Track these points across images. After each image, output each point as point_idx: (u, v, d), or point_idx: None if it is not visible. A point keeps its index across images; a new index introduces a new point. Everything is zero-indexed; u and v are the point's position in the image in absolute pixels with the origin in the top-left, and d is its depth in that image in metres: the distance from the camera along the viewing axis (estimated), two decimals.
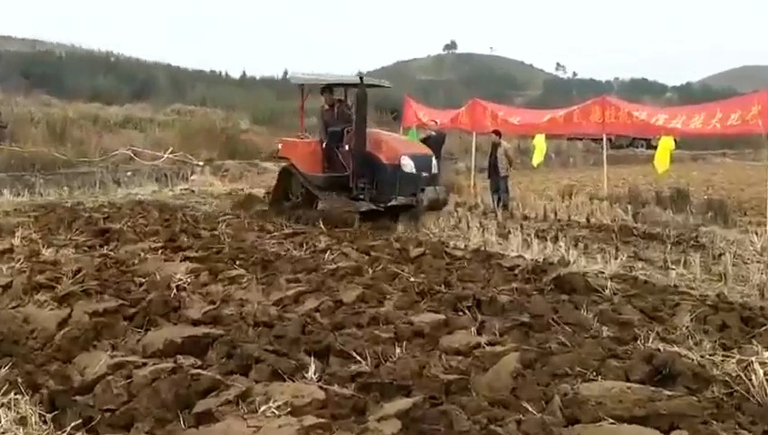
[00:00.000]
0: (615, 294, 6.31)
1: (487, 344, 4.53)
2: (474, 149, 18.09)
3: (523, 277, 6.96)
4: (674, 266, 7.88)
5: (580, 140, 34.40)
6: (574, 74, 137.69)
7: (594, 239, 10.02)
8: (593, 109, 15.03)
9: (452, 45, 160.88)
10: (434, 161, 11.23)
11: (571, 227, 11.31)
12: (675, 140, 14.63)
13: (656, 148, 15.35)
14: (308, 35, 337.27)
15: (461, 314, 5.39)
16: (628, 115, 14.25)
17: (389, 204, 10.86)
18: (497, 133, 14.56)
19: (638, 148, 36.51)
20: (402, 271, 6.96)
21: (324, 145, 11.56)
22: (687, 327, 5.17)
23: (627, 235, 10.42)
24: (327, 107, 11.86)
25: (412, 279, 6.59)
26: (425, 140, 17.58)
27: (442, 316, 5.14)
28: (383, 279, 6.66)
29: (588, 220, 11.93)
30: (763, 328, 5.18)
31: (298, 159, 11.82)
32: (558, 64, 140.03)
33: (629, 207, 12.63)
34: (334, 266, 7.12)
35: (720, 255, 8.59)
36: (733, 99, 12.80)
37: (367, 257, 7.87)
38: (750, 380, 3.87)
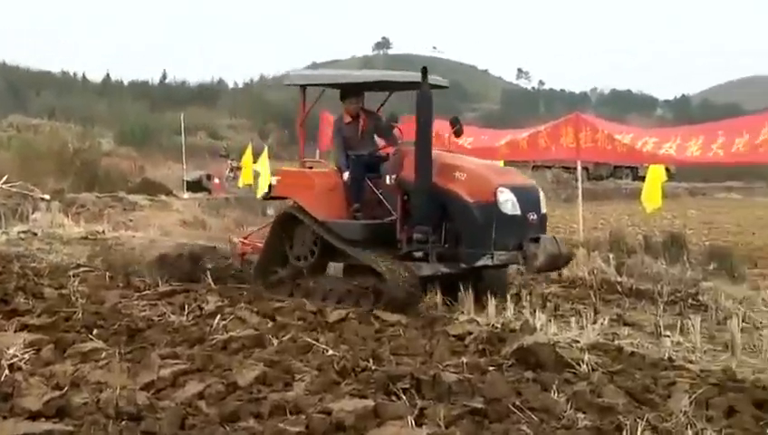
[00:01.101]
0: (594, 370, 6.38)
1: None
2: None
3: (476, 349, 7.00)
4: (668, 333, 8.04)
5: (549, 168, 35.14)
6: (541, 84, 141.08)
7: (567, 298, 10.19)
8: (564, 129, 15.26)
9: (384, 44, 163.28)
10: (542, 196, 9.47)
11: (538, 283, 11.46)
12: (668, 170, 15.07)
13: (644, 179, 15.74)
14: (187, 31, 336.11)
15: (395, 398, 5.36)
16: (609, 138, 14.48)
17: (478, 264, 8.96)
18: None
19: (621, 179, 37.52)
20: (317, 341, 6.92)
21: (349, 177, 9.87)
22: (686, 413, 5.25)
23: (609, 292, 10.64)
24: (349, 120, 10.38)
25: (330, 352, 6.54)
26: None
27: (370, 402, 5.10)
28: (292, 353, 6.61)
29: (559, 274, 12.08)
30: None
31: (309, 199, 9.98)
32: (520, 71, 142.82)
33: (611, 256, 12.85)
34: (226, 336, 7.04)
35: (726, 318, 8.76)
36: (739, 119, 13.31)
37: (270, 324, 7.82)
38: None
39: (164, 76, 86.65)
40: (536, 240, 8.80)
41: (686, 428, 5.03)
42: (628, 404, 5.49)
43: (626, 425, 4.91)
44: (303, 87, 10.59)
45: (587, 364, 6.45)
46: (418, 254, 9.16)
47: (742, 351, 7.52)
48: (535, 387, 5.75)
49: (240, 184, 26.60)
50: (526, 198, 9.05)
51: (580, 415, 5.17)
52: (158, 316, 8.10)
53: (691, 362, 7.10)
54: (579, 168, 16.83)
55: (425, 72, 8.96)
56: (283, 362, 6.20)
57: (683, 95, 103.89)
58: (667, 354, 7.27)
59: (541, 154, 17.17)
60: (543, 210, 9.29)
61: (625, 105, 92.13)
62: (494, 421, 4.98)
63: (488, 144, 17.12)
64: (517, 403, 5.26)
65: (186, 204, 23.20)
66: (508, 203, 8.84)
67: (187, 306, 8.47)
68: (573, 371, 6.35)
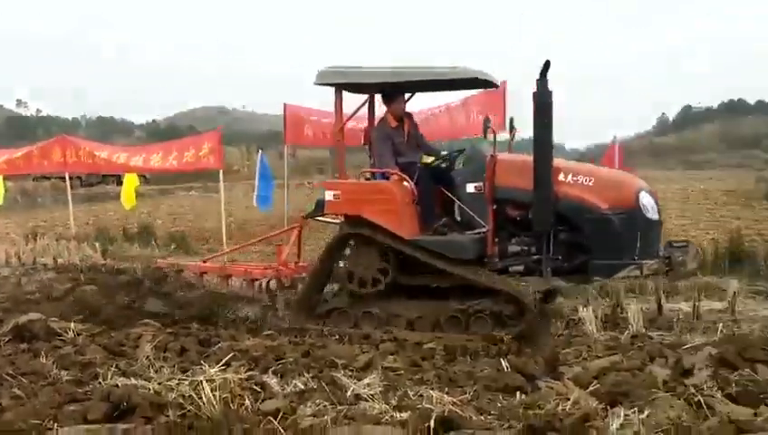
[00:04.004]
0: (79, 334, 6.10)
1: None
2: None
3: None
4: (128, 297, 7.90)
5: (48, 179, 32.92)
6: (38, 111, 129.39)
7: (63, 280, 9.59)
8: (54, 148, 14.76)
9: None
10: None
11: (38, 271, 10.67)
12: (145, 177, 14.97)
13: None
14: None
15: None
16: (90, 154, 14.38)
17: (621, 275, 6.58)
18: None
19: (108, 184, 36.24)
20: None
21: (419, 188, 6.86)
22: (148, 357, 5.24)
23: (95, 272, 10.23)
24: (395, 124, 7.26)
25: None
26: None
27: None
28: None
29: (55, 261, 11.37)
30: (216, 346, 5.57)
31: (389, 215, 6.69)
32: (19, 101, 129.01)
33: (98, 244, 12.44)
34: None
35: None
36: (188, 138, 13.72)
37: None
38: (200, 398, 4.11)
39: None
40: (677, 246, 6.74)
41: (148, 368, 5.00)
42: (104, 358, 5.31)
43: (101, 373, 4.74)
44: (339, 88, 7.04)
45: (73, 331, 6.15)
46: (517, 268, 6.62)
47: None
48: (27, 356, 5.30)
49: None
50: (656, 200, 6.72)
51: (64, 372, 4.88)
52: None
53: None
54: (67, 178, 16.22)
55: (546, 67, 6.26)
56: None
57: (153, 120, 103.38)
58: None
59: (35, 168, 16.24)
60: None
61: (110, 128, 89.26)
62: None
63: None
64: (10, 372, 4.79)
65: None
66: (649, 208, 6.50)
67: None
68: (62, 338, 5.99)
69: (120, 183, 34.02)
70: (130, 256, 11.55)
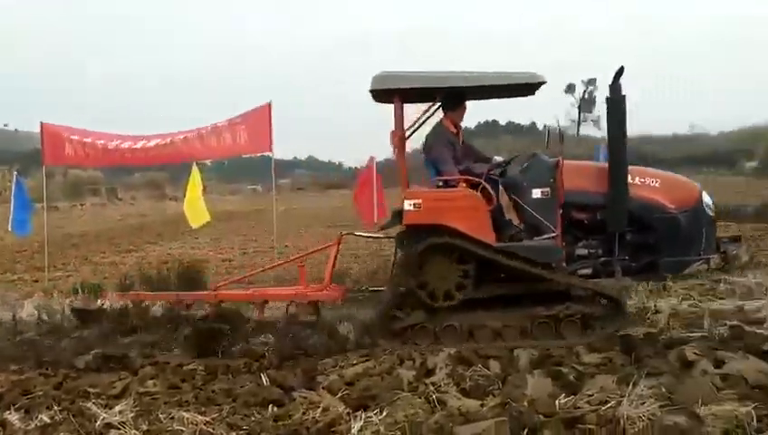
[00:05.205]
0: None
1: None
2: None
3: None
4: None
5: None
6: None
7: None
8: None
9: None
10: None
11: None
12: None
13: None
14: None
15: None
16: None
17: (689, 271, 6.77)
18: None
19: None
20: None
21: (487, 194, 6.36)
22: None
23: None
24: (454, 130, 6.73)
25: None
26: None
27: None
28: None
29: None
30: None
31: (475, 223, 6.17)
32: None
33: None
34: None
35: None
36: None
37: None
38: None
39: None
40: (727, 241, 6.84)
41: None
42: None
43: None
44: (400, 93, 6.36)
45: None
46: (585, 271, 6.44)
47: None
48: None
49: None
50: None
51: None
52: None
53: None
54: None
55: (620, 72, 6.13)
56: None
57: None
58: None
59: None
60: None
61: None
62: None
63: None
64: None
65: None
66: (709, 205, 6.58)
67: None
68: None
69: None
70: None
